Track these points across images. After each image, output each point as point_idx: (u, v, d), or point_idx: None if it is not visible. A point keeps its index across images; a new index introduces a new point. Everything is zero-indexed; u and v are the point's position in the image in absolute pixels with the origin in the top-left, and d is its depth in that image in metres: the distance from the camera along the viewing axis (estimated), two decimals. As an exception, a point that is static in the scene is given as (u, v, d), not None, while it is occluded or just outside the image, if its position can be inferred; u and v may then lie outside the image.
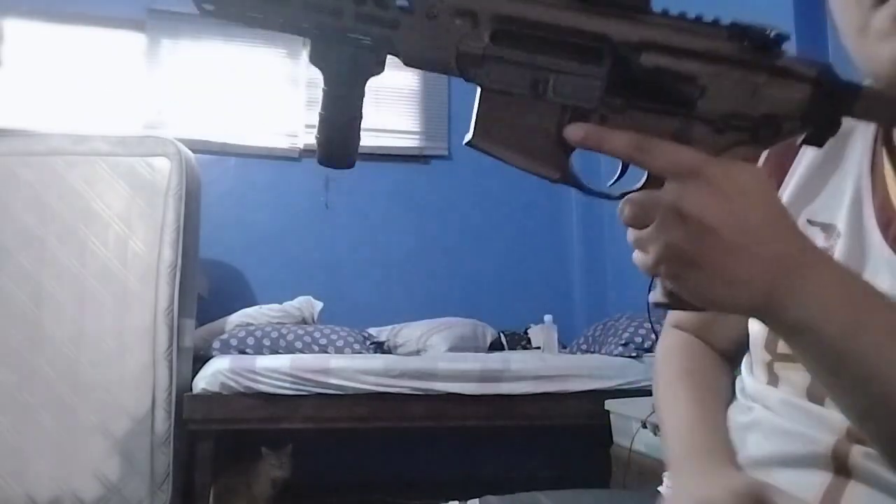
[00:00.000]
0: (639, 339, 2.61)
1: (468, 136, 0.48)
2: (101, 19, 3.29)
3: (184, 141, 2.55)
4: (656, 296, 0.49)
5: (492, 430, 2.80)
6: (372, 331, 2.95)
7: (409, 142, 3.59)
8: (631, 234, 0.47)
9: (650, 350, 2.62)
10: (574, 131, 0.46)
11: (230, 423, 2.33)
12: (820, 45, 2.07)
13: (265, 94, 3.42)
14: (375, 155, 3.49)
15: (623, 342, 2.64)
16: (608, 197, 0.50)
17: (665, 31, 0.46)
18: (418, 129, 3.61)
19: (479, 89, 0.47)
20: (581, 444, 2.82)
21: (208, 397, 2.31)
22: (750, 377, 0.69)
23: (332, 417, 2.37)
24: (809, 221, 0.62)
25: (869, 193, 0.59)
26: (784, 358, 0.62)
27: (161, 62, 3.31)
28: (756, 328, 0.67)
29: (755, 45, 0.46)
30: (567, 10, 0.46)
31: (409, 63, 0.47)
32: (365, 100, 0.52)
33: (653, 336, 2.57)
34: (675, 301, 0.48)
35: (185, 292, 2.35)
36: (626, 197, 0.47)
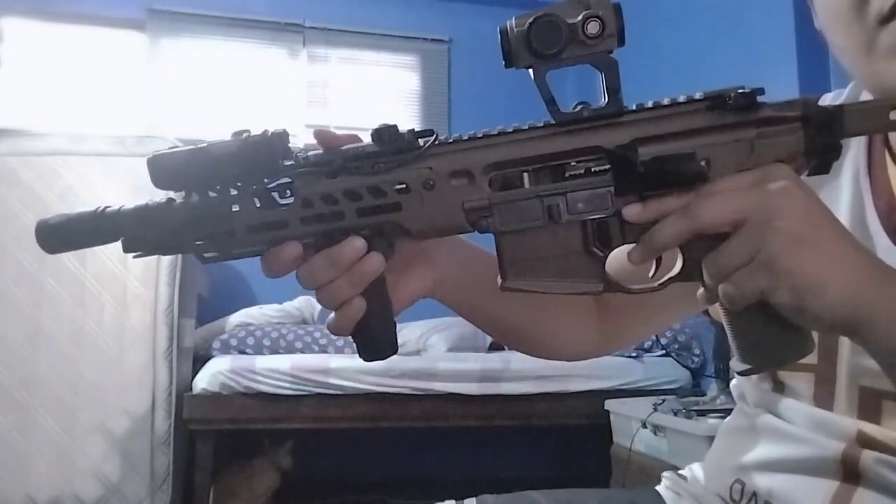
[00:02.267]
0: (639, 339, 2.61)
1: (501, 282, 0.49)
2: (101, 19, 3.29)
3: (184, 141, 2.55)
4: (736, 363, 0.48)
5: (492, 430, 2.80)
6: (372, 331, 2.95)
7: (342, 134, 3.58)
8: (714, 267, 0.46)
9: (650, 350, 2.62)
10: (632, 210, 0.47)
11: (230, 423, 2.33)
12: (821, 70, 2.06)
13: (265, 94, 3.42)
14: (375, 155, 3.49)
15: (634, 346, 2.63)
16: (652, 290, 0.50)
17: (648, 123, 0.47)
18: (418, 129, 3.60)
19: (495, 237, 0.49)
20: (581, 444, 2.82)
21: (208, 397, 2.31)
22: (749, 383, 0.69)
23: (332, 417, 2.37)
24: None
25: (869, 194, 0.58)
26: (791, 367, 0.61)
27: (161, 62, 3.31)
28: None
29: (735, 107, 0.47)
30: (552, 138, 0.48)
31: (422, 237, 0.50)
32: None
33: (653, 336, 2.57)
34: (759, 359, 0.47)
35: (185, 292, 2.35)
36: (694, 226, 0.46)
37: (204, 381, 2.32)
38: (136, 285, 2.30)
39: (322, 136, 0.53)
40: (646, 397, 2.31)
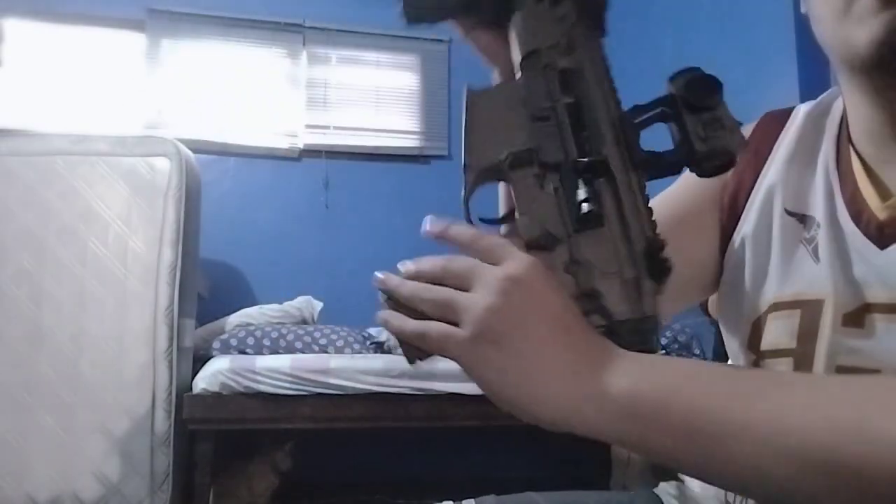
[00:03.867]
0: (639, 339, 2.61)
1: (473, 90, 0.50)
2: (101, 19, 3.29)
3: (184, 141, 2.55)
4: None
5: (492, 430, 2.80)
6: (372, 331, 2.94)
7: (409, 142, 3.59)
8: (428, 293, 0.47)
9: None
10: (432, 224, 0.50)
11: (230, 423, 2.33)
12: (821, 70, 2.06)
13: (265, 94, 3.42)
14: (375, 155, 3.49)
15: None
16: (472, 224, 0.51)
17: (629, 191, 0.47)
18: (418, 129, 3.61)
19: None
20: (581, 444, 2.82)
21: (208, 397, 2.31)
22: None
23: (332, 417, 2.37)
24: (787, 211, 0.64)
25: (837, 187, 0.61)
26: (770, 354, 0.62)
27: (161, 62, 3.31)
28: (733, 336, 0.68)
29: (652, 265, 0.47)
30: (608, 115, 0.49)
31: None
32: None
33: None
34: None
35: (185, 292, 2.35)
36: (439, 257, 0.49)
37: (204, 381, 2.32)
38: (136, 285, 2.30)
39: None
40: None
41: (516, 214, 0.48)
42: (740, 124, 0.47)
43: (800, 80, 2.11)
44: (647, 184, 0.48)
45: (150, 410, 2.24)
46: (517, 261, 0.45)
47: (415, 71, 3.64)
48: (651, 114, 0.48)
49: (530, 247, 0.47)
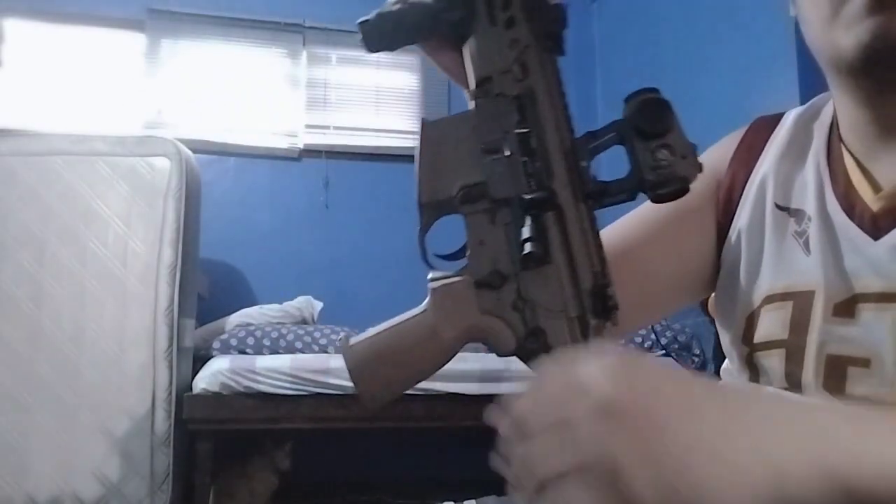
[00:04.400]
0: (638, 339, 2.61)
1: (428, 121, 0.49)
2: (101, 19, 3.29)
3: (184, 141, 2.55)
4: None
5: (492, 430, 2.80)
6: (372, 331, 2.95)
7: (409, 142, 3.59)
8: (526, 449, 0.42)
9: (650, 350, 2.62)
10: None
11: (230, 423, 2.33)
12: (821, 71, 2.06)
13: (265, 94, 3.42)
14: (375, 155, 3.49)
15: (623, 342, 2.64)
16: (430, 266, 0.50)
17: (577, 224, 0.47)
18: (418, 129, 3.60)
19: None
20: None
21: (208, 397, 2.31)
22: (731, 378, 0.70)
23: (332, 417, 2.36)
24: (777, 206, 0.66)
25: (828, 182, 0.63)
26: (763, 346, 0.63)
27: (161, 62, 3.31)
28: (727, 331, 0.69)
29: (599, 304, 0.46)
30: (560, 142, 0.47)
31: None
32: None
33: (653, 336, 2.57)
34: None
35: (185, 292, 2.35)
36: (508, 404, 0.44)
37: (204, 381, 2.32)
38: (136, 285, 2.30)
39: None
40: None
41: (467, 251, 0.48)
42: (695, 147, 0.46)
43: (800, 82, 2.11)
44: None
45: (150, 410, 2.24)
46: (598, 369, 0.39)
47: (415, 71, 3.64)
48: (604, 139, 0.48)
49: (479, 285, 0.47)
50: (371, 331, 0.50)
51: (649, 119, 0.46)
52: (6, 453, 2.18)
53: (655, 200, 0.47)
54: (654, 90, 0.47)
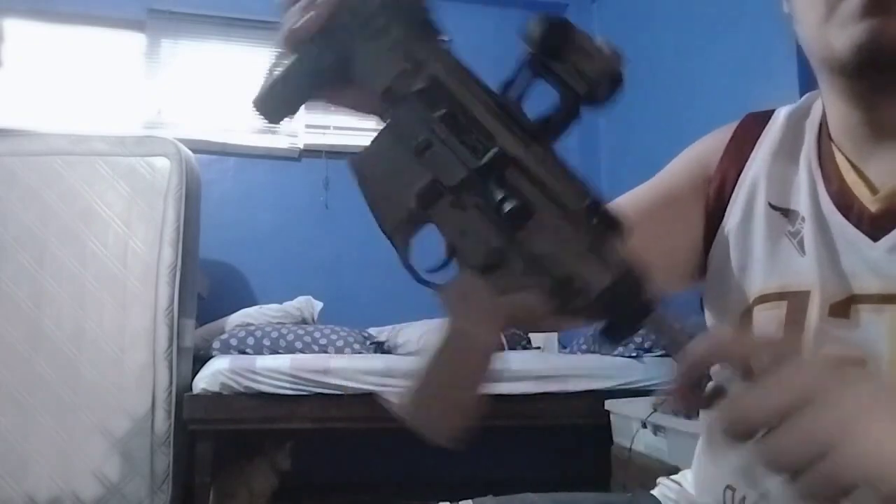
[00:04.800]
0: (639, 339, 2.61)
1: (353, 159, 0.50)
2: (101, 19, 3.29)
3: (184, 141, 2.55)
4: None
5: (492, 430, 2.80)
6: (372, 331, 2.95)
7: (409, 142, 3.59)
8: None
9: (650, 350, 2.62)
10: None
11: (230, 423, 2.33)
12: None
13: (265, 94, 3.41)
14: (375, 155, 3.49)
15: (623, 342, 2.63)
16: (428, 285, 0.49)
17: (541, 164, 0.45)
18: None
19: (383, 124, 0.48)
20: (581, 444, 2.82)
21: (208, 397, 2.31)
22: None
23: (332, 417, 2.36)
24: (771, 205, 0.66)
25: (821, 182, 0.63)
26: None
27: (161, 62, 3.31)
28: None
29: (602, 221, 0.44)
30: (483, 106, 0.46)
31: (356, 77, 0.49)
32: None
33: (653, 336, 2.56)
34: None
35: (185, 292, 2.35)
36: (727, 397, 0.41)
37: (204, 381, 2.32)
38: (136, 285, 2.30)
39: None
40: (646, 397, 2.31)
41: (455, 249, 0.47)
42: (607, 39, 0.46)
43: (800, 82, 2.11)
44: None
45: (150, 410, 2.24)
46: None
47: (415, 71, 3.64)
48: (522, 81, 0.47)
49: (484, 272, 0.46)
50: (410, 377, 0.48)
51: (550, 38, 0.45)
52: (6, 453, 2.18)
53: (598, 103, 0.45)
54: (542, 14, 0.46)
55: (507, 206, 0.44)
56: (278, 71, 0.51)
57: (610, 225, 0.45)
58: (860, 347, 0.57)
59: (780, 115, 0.71)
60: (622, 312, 0.45)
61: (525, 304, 0.46)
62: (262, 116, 0.51)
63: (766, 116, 0.72)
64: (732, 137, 0.71)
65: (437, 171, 0.46)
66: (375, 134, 0.49)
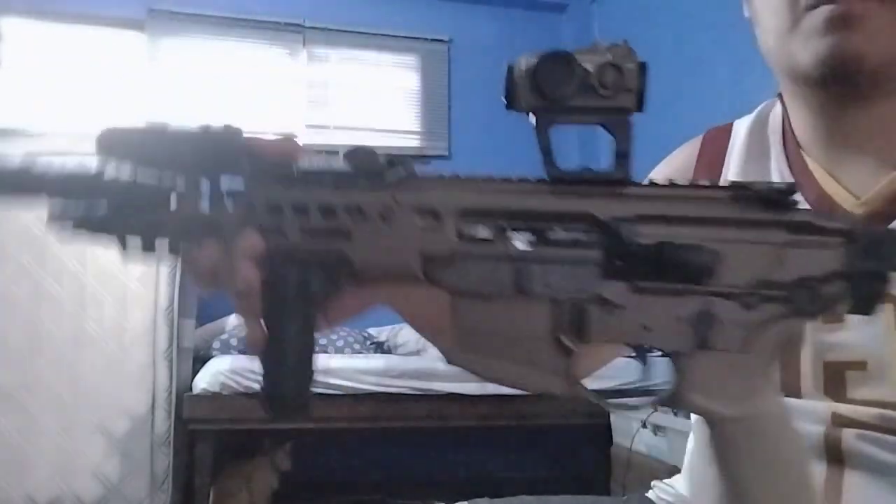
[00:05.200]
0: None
1: (447, 353, 0.41)
2: (101, 19, 3.29)
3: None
4: None
5: (492, 430, 2.80)
6: (372, 331, 2.95)
7: (409, 142, 3.59)
8: None
9: (649, 350, 2.62)
10: None
11: (230, 423, 2.33)
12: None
13: (265, 93, 3.42)
14: (375, 155, 3.49)
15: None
16: (633, 408, 0.45)
17: (656, 201, 0.41)
18: (418, 129, 3.61)
19: (451, 297, 0.41)
20: (581, 444, 2.82)
21: (208, 397, 2.31)
22: None
23: (332, 417, 2.36)
24: None
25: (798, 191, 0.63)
26: None
27: (161, 62, 3.31)
28: None
29: (765, 202, 0.40)
30: (541, 195, 0.41)
31: (366, 276, 0.42)
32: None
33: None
34: None
35: (185, 292, 2.35)
36: None
37: (204, 381, 2.32)
38: (136, 285, 2.30)
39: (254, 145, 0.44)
40: (646, 397, 2.31)
41: (643, 349, 0.43)
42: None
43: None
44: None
45: (150, 410, 2.24)
46: None
47: (415, 71, 3.64)
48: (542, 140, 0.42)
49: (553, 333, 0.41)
50: None
51: (551, 80, 0.40)
52: (6, 453, 2.18)
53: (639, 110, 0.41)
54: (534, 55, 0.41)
55: (694, 267, 0.39)
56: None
57: (770, 201, 0.41)
58: (857, 350, 0.57)
59: (741, 126, 0.71)
60: (873, 264, 0.41)
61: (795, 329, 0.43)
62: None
63: (727, 129, 0.72)
64: (701, 152, 0.72)
65: (562, 291, 0.41)
66: (450, 314, 0.42)
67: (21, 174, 0.44)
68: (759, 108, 0.72)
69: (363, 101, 3.54)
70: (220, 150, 0.41)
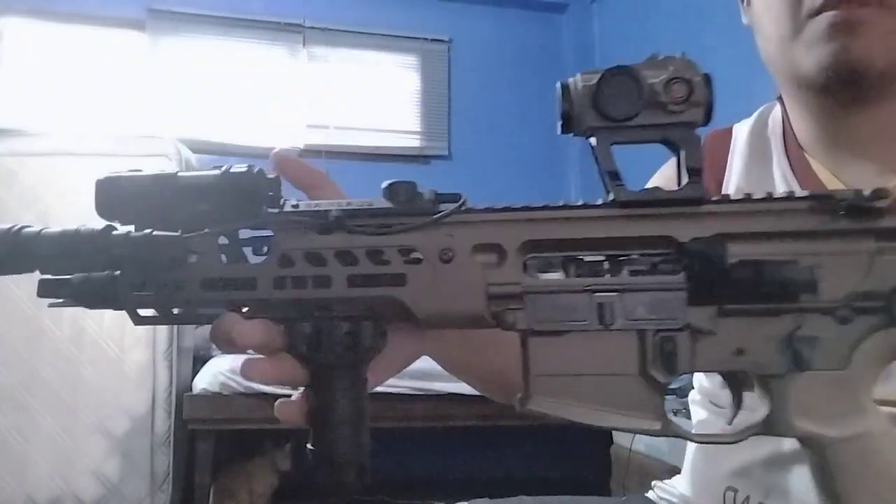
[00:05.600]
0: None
1: (521, 400, 0.38)
2: (101, 19, 3.29)
3: (184, 141, 2.55)
4: None
5: (492, 430, 2.80)
6: (372, 331, 2.95)
7: (409, 142, 3.59)
8: None
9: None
10: None
11: (230, 423, 2.33)
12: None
13: (265, 93, 3.42)
14: (375, 154, 3.49)
15: None
16: (726, 442, 0.42)
17: (736, 218, 0.38)
18: (418, 129, 3.61)
19: (520, 338, 0.39)
20: (581, 444, 2.82)
21: (208, 397, 2.31)
22: (716, 384, 0.70)
23: (332, 417, 2.36)
24: None
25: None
26: None
27: (161, 62, 3.31)
28: None
29: (848, 211, 0.38)
30: (612, 220, 0.39)
31: (428, 323, 0.39)
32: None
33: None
34: None
35: (185, 292, 2.35)
36: None
37: (204, 381, 2.32)
38: (136, 285, 2.29)
39: (285, 163, 0.45)
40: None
41: (734, 375, 0.41)
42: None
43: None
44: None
45: (150, 410, 2.24)
46: None
47: (415, 71, 3.64)
48: (603, 154, 0.39)
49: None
50: None
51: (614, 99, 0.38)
52: (6, 453, 2.18)
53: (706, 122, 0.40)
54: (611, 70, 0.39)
55: (792, 285, 0.37)
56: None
57: (855, 208, 0.39)
58: None
59: (741, 130, 0.72)
60: None
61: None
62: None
63: (727, 133, 0.73)
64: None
65: (650, 320, 0.38)
66: (523, 357, 0.39)
67: (5, 243, 0.39)
68: (759, 111, 0.73)
69: (363, 101, 3.54)
70: (242, 200, 0.38)
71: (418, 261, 0.38)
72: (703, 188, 0.38)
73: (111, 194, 0.39)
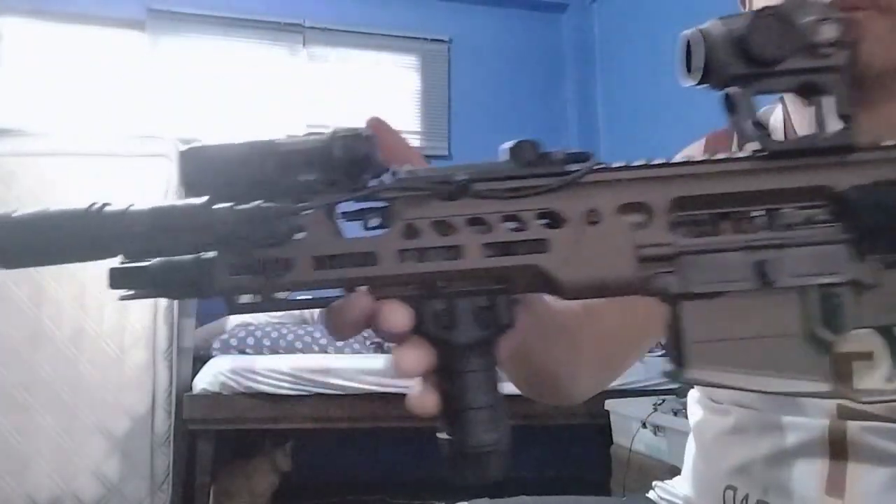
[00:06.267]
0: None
1: (676, 370, 0.36)
2: (101, 19, 3.29)
3: (184, 141, 2.55)
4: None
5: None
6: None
7: (409, 141, 3.59)
8: None
9: (650, 350, 2.62)
10: None
11: (230, 423, 2.33)
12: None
13: (265, 93, 3.42)
14: (375, 155, 3.49)
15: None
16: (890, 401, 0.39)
17: (892, 165, 0.36)
18: (418, 129, 3.61)
19: (672, 306, 0.35)
20: (581, 444, 2.82)
21: (208, 397, 2.31)
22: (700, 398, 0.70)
23: (332, 417, 2.37)
24: None
25: None
26: None
27: (161, 62, 3.31)
28: None
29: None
30: (761, 173, 0.36)
31: (573, 293, 0.35)
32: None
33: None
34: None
35: (185, 292, 2.35)
36: None
37: (204, 381, 2.32)
38: (136, 285, 2.30)
39: (384, 134, 0.40)
40: (646, 397, 2.31)
41: None
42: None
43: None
44: None
45: (150, 410, 2.24)
46: None
47: (415, 71, 3.64)
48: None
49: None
50: None
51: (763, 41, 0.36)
52: (6, 453, 2.18)
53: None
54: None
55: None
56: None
57: None
58: (864, 340, 0.57)
59: None
60: None
61: None
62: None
63: (727, 135, 0.73)
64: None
65: (813, 276, 0.35)
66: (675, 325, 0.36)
67: (87, 224, 0.37)
68: (760, 112, 0.72)
69: (363, 101, 3.54)
70: (352, 167, 0.34)
71: (558, 225, 0.35)
72: (854, 136, 0.36)
73: (202, 165, 0.34)
